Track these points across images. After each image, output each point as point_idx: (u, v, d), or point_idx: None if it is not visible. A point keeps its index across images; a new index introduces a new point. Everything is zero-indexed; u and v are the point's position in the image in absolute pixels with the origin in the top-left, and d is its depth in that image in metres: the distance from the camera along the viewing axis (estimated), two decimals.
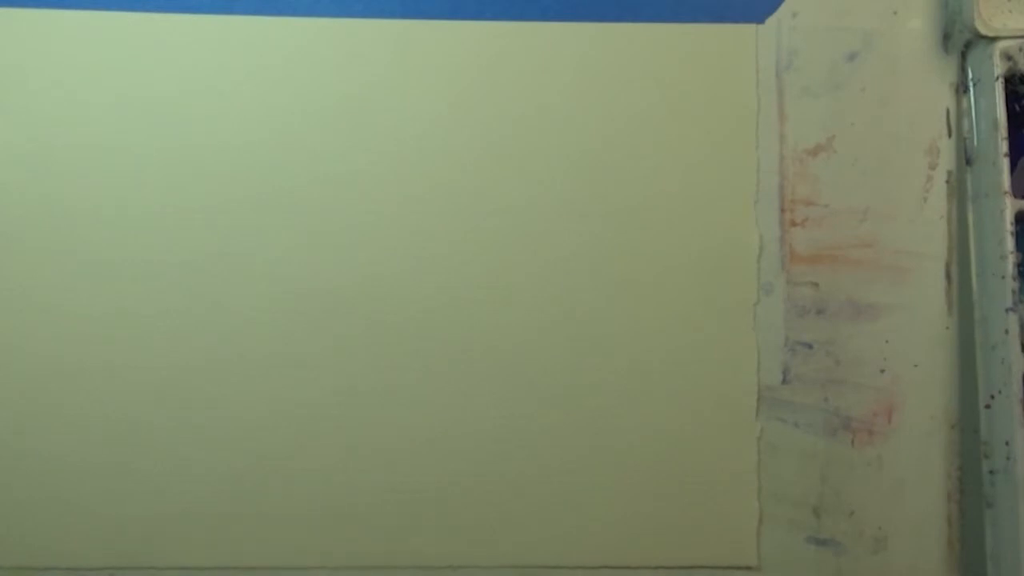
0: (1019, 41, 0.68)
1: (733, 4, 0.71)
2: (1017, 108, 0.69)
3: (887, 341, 0.69)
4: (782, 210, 0.70)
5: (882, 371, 0.69)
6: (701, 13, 0.71)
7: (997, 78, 0.68)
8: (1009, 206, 0.66)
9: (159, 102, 0.69)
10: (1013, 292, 0.65)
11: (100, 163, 0.69)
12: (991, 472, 0.65)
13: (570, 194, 0.69)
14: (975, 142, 0.69)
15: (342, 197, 0.69)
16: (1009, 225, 0.66)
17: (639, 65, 0.70)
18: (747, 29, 0.71)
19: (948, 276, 0.69)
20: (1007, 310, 0.65)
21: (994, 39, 0.68)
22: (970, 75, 0.70)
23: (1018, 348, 0.65)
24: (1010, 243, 0.66)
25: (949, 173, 0.70)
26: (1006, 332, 0.65)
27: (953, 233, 0.70)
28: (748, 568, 0.67)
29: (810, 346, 0.69)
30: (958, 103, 0.70)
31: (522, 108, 0.70)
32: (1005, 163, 0.66)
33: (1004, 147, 0.67)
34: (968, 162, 0.69)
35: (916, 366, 0.69)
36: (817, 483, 0.68)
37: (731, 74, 0.70)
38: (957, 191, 0.70)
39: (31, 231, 0.68)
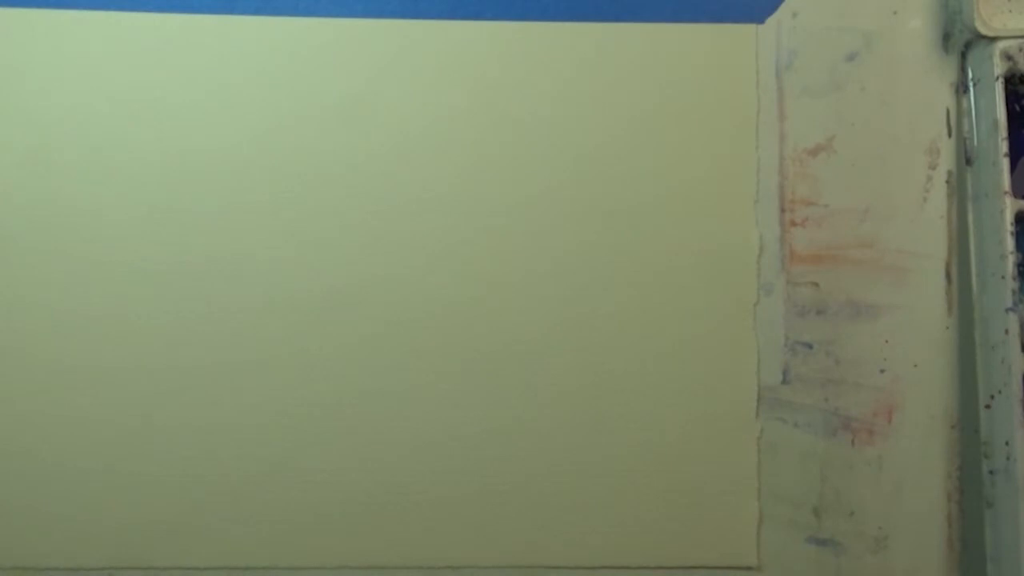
0: (1019, 41, 0.68)
1: (733, 4, 0.71)
2: (1017, 108, 0.69)
3: (887, 341, 0.69)
4: (782, 210, 0.70)
5: (882, 371, 0.69)
6: (701, 13, 0.71)
7: (997, 78, 0.68)
8: (1009, 206, 0.66)
9: (159, 102, 0.69)
10: (1013, 292, 0.65)
11: (100, 163, 0.69)
12: (991, 472, 0.65)
13: (570, 194, 0.69)
14: (975, 142, 0.69)
15: (342, 197, 0.69)
16: (1009, 225, 0.66)
17: (639, 65, 0.70)
18: (747, 29, 0.71)
19: (948, 276, 0.69)
20: (1007, 310, 0.65)
21: (994, 39, 0.68)
22: (970, 75, 0.70)
23: (1018, 348, 0.65)
24: (1010, 243, 0.66)
25: (949, 173, 0.70)
26: (1006, 332, 0.65)
27: (953, 233, 0.70)
28: (748, 568, 0.67)
29: (810, 346, 0.69)
30: (958, 103, 0.70)
31: (522, 108, 0.70)
32: (1005, 163, 0.66)
33: (1004, 147, 0.67)
34: (968, 162, 0.69)
35: (916, 366, 0.69)
36: (817, 483, 0.68)
37: (731, 74, 0.70)
38: (957, 191, 0.70)
39: (31, 231, 0.68)
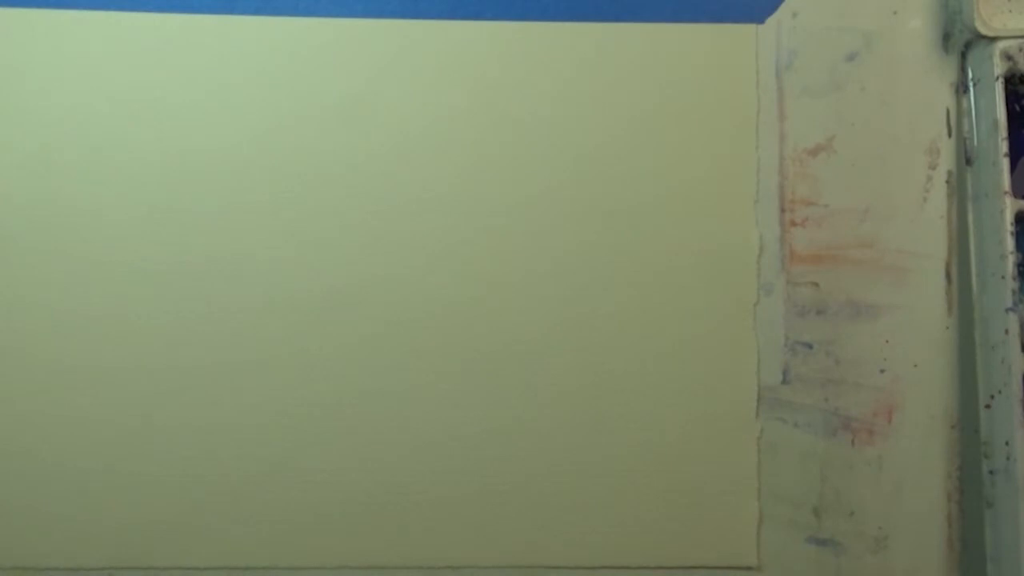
0: (1019, 41, 0.68)
1: (733, 4, 0.71)
2: (1017, 108, 0.69)
3: (887, 341, 0.69)
4: (782, 210, 0.70)
5: (882, 371, 0.69)
6: (701, 13, 0.71)
7: (997, 78, 0.68)
8: (1009, 206, 0.66)
9: (159, 102, 0.69)
10: (1013, 292, 0.65)
11: (100, 163, 0.69)
12: (991, 472, 0.65)
13: (570, 194, 0.69)
14: (975, 142, 0.69)
15: (342, 197, 0.69)
16: (1009, 225, 0.66)
17: (639, 65, 0.70)
18: (747, 29, 0.71)
19: (948, 276, 0.69)
20: (1007, 310, 0.65)
21: (994, 39, 0.68)
22: (970, 75, 0.70)
23: (1018, 348, 0.65)
24: (1010, 243, 0.66)
25: (949, 173, 0.70)
26: (1006, 332, 0.65)
27: (953, 233, 0.70)
28: (748, 568, 0.67)
29: (810, 346, 0.69)
30: (958, 103, 0.70)
31: (522, 108, 0.70)
32: (1005, 163, 0.66)
33: (1004, 147, 0.67)
34: (968, 162, 0.69)
35: (916, 366, 0.69)
36: (817, 483, 0.68)
37: (731, 74, 0.70)
38: (957, 191, 0.70)
39: (31, 231, 0.68)
